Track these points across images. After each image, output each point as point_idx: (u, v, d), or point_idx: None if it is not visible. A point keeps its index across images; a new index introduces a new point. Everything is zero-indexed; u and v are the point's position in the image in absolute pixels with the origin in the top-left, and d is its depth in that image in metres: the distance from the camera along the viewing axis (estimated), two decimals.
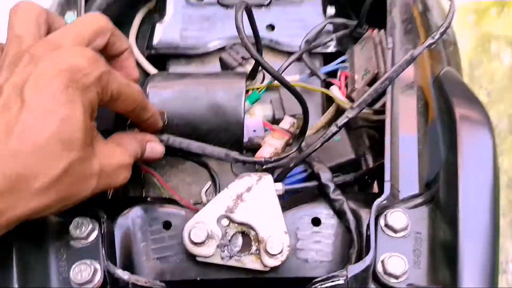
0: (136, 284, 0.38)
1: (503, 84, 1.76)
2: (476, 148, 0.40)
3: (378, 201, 0.40)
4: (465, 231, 0.37)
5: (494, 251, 0.38)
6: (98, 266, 0.40)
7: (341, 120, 0.44)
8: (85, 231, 0.41)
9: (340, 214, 0.44)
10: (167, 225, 0.45)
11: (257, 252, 0.42)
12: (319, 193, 0.46)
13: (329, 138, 0.45)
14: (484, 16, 1.84)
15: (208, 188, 0.50)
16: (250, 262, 0.42)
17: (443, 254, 0.39)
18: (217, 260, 0.42)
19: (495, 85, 1.76)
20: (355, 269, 0.37)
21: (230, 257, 0.42)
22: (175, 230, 0.45)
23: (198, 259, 0.42)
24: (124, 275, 0.38)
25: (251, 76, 0.55)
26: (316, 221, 0.44)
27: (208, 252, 0.42)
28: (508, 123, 1.71)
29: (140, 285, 0.38)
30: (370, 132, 0.54)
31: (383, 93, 0.46)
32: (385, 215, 0.40)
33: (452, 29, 0.67)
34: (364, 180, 0.50)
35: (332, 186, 0.44)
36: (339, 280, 0.37)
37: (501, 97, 1.74)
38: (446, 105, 0.43)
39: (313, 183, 0.46)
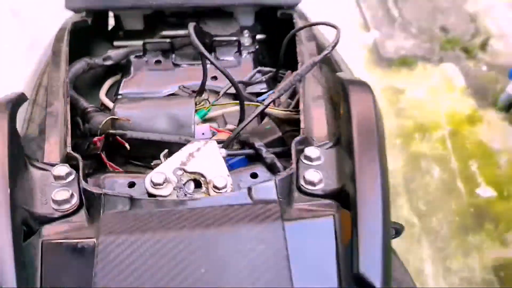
0: (106, 194, 0.49)
1: (437, 195, 2.01)
2: (361, 103, 0.58)
3: (296, 139, 0.56)
4: (359, 157, 0.53)
5: (383, 168, 0.53)
6: (75, 193, 0.51)
7: (267, 100, 0.62)
8: (64, 172, 0.52)
9: (272, 167, 0.58)
10: (131, 185, 0.57)
11: (207, 190, 0.54)
12: (255, 157, 0.61)
13: (259, 112, 0.62)
14: (409, 139, 2.18)
15: (165, 153, 0.63)
16: None
17: (348, 173, 0.53)
18: (173, 198, 0.54)
19: (431, 196, 2.00)
20: (281, 175, 0.51)
21: (185, 195, 0.54)
22: (138, 187, 0.56)
23: (158, 199, 0.53)
24: (97, 190, 0.49)
25: (199, 93, 0.73)
26: (254, 175, 0.58)
27: (165, 192, 0.53)
28: (448, 229, 1.90)
29: (110, 194, 0.49)
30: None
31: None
32: (304, 150, 0.56)
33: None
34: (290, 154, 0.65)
35: (264, 149, 0.60)
36: (270, 181, 0.50)
37: (438, 207, 1.97)
38: (342, 85, 0.62)
39: (249, 150, 0.61)
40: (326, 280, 0.47)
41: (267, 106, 0.63)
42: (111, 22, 0.97)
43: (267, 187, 0.51)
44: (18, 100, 0.60)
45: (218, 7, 0.87)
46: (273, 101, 0.64)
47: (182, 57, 0.88)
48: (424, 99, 2.33)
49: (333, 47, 0.66)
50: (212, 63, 0.61)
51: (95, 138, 0.64)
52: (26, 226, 0.49)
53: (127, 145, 0.64)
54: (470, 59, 2.55)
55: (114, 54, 0.83)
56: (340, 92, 0.63)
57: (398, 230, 0.70)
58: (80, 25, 0.81)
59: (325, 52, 0.66)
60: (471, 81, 2.44)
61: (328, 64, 0.77)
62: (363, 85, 0.61)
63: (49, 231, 0.49)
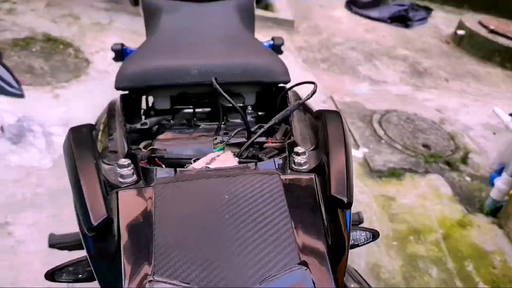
0: (158, 168, 0.70)
1: None
2: (334, 127, 0.81)
3: (287, 141, 0.79)
4: (331, 157, 0.75)
5: (348, 163, 0.76)
6: (135, 172, 0.71)
7: (266, 125, 0.85)
8: (126, 162, 0.74)
9: None
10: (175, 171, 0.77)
11: None
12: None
13: (258, 135, 0.84)
14: (405, 242, 2.31)
15: (195, 159, 0.82)
16: None
17: (324, 160, 0.76)
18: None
19: None
20: (278, 157, 0.73)
21: None
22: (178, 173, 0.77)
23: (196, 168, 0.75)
24: (152, 168, 0.69)
25: (216, 132, 0.95)
26: None
27: None
28: None
29: (161, 168, 0.69)
30: None
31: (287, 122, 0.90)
32: (293, 149, 0.77)
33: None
34: None
35: (265, 158, 0.80)
36: (270, 160, 0.70)
37: None
38: (320, 112, 0.86)
39: (255, 160, 0.81)
40: (312, 203, 0.70)
41: (267, 128, 0.86)
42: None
43: (268, 164, 0.73)
44: (92, 126, 0.88)
45: (228, 88, 1.13)
46: (270, 126, 0.87)
47: (201, 121, 1.13)
48: (414, 205, 2.51)
49: (313, 94, 0.91)
50: (227, 99, 0.86)
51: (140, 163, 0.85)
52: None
53: (163, 166, 0.84)
54: (453, 171, 2.80)
55: (149, 120, 1.07)
56: (318, 121, 0.87)
57: (374, 235, 0.86)
58: (126, 98, 1.07)
59: (307, 97, 0.91)
60: (457, 189, 2.66)
61: (308, 111, 1.02)
62: (335, 111, 0.88)
63: (119, 190, 0.72)
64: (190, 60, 1.08)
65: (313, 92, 0.91)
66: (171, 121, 1.12)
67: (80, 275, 0.82)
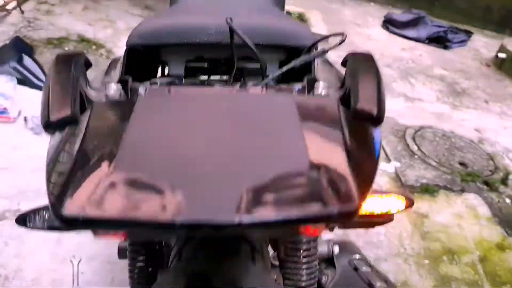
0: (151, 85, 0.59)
1: None
2: (364, 63, 0.72)
3: (307, 76, 0.66)
4: (359, 76, 0.67)
5: (380, 84, 0.67)
6: (124, 93, 0.64)
7: (286, 67, 0.73)
8: (116, 87, 0.67)
9: None
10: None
11: None
12: None
13: (279, 73, 0.74)
14: (438, 261, 2.11)
15: None
16: None
17: (349, 84, 0.67)
18: None
19: None
20: (297, 85, 0.63)
21: None
22: None
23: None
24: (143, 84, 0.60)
25: (229, 81, 0.86)
26: None
27: None
28: None
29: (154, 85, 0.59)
30: None
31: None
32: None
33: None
34: None
35: None
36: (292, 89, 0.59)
37: None
38: (351, 57, 0.75)
39: None
40: (332, 121, 0.59)
41: (285, 70, 0.75)
42: None
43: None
44: (83, 54, 0.77)
45: (248, 53, 1.03)
46: (290, 69, 0.78)
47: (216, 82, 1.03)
48: (449, 224, 2.32)
49: (340, 43, 0.79)
50: (241, 37, 0.76)
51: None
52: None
53: None
54: (492, 192, 2.59)
55: (159, 80, 0.96)
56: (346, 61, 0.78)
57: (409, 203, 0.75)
58: (132, 51, 0.97)
59: (334, 45, 0.79)
60: (496, 211, 2.44)
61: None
62: (366, 52, 0.77)
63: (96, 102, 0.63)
64: (208, 19, 0.98)
65: (341, 41, 0.80)
66: (183, 80, 1.02)
67: (55, 222, 0.71)
